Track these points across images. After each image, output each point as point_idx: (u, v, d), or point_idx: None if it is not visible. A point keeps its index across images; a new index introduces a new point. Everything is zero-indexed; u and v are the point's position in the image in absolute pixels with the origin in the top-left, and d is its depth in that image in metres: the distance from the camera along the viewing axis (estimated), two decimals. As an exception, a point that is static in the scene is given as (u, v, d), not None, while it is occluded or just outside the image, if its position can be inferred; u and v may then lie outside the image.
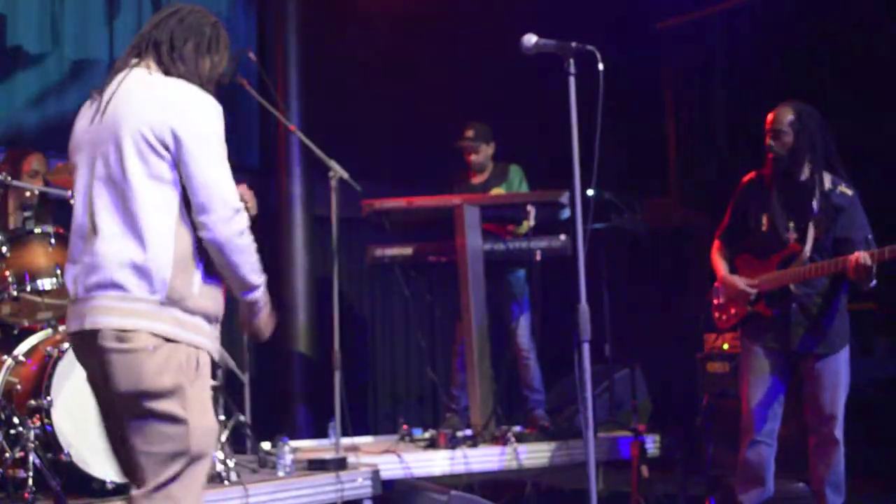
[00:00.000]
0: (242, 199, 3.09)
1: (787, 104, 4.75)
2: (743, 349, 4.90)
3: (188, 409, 2.92)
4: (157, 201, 2.94)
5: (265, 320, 3.25)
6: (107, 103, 3.07)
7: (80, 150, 3.16)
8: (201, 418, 2.96)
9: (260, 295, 3.16)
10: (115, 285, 2.91)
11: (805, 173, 4.72)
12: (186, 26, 3.14)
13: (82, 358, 3.09)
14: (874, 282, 4.50)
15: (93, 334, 2.92)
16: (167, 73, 3.08)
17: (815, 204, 4.68)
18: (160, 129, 2.95)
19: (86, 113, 3.18)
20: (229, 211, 2.97)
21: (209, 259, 3.01)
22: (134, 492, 2.98)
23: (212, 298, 3.04)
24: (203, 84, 3.12)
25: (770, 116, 4.74)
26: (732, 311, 4.91)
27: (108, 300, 2.92)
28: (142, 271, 2.90)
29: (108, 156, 3.01)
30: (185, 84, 3.06)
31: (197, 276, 2.99)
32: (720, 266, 4.95)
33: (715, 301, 5.03)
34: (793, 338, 4.69)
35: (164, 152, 2.95)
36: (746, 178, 4.94)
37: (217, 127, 3.04)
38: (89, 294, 2.95)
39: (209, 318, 3.04)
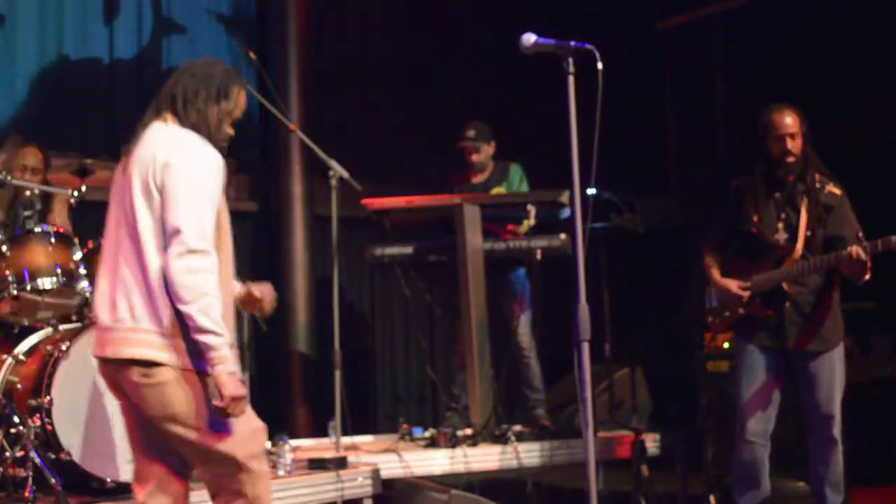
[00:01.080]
0: (252, 296, 3.57)
1: (788, 108, 4.77)
2: (737, 349, 4.91)
3: (210, 427, 3.21)
4: (153, 244, 3.21)
5: (229, 385, 3.18)
6: (129, 157, 3.37)
7: (111, 201, 3.44)
8: (239, 427, 3.25)
9: (214, 343, 3.16)
10: (130, 319, 3.19)
11: (796, 174, 4.76)
12: (198, 78, 3.42)
13: (109, 382, 3.37)
14: (868, 276, 4.51)
15: (116, 363, 3.22)
16: (182, 124, 3.37)
17: (804, 204, 4.70)
18: (157, 171, 3.24)
19: (118, 169, 3.47)
20: (182, 247, 3.14)
21: None
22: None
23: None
24: (214, 130, 3.41)
25: (785, 120, 4.72)
26: (726, 313, 4.93)
27: (123, 333, 3.20)
28: (149, 308, 3.18)
29: (125, 202, 3.31)
30: (186, 132, 3.34)
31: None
32: (712, 270, 4.96)
33: (708, 305, 5.06)
34: (788, 336, 4.71)
35: (156, 195, 3.23)
36: (735, 182, 4.96)
37: (201, 171, 3.26)
38: (109, 325, 3.24)
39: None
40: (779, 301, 4.73)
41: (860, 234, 4.55)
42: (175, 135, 3.34)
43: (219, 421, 3.22)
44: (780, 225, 4.76)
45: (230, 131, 3.51)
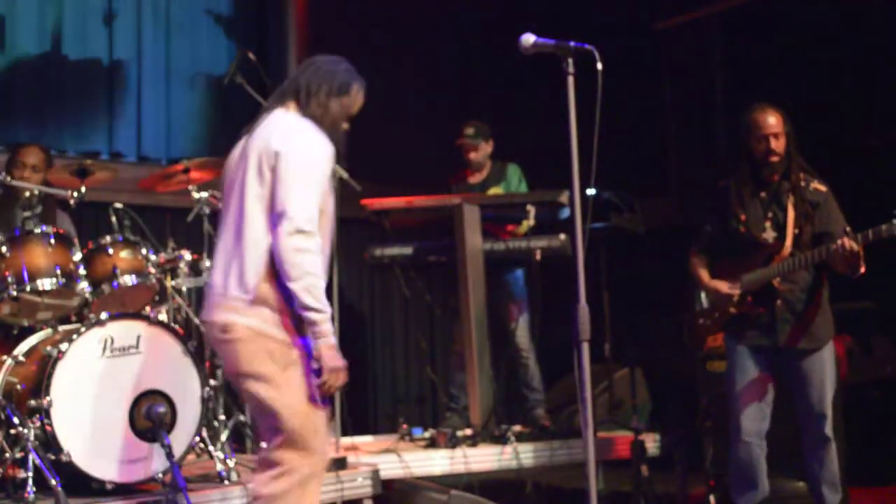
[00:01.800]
0: None
1: (771, 107, 4.79)
2: (728, 350, 4.91)
3: (278, 392, 3.44)
4: (259, 218, 3.48)
5: (328, 357, 3.46)
6: (248, 138, 3.64)
7: (227, 179, 3.70)
8: (292, 400, 3.45)
9: (317, 318, 3.43)
10: (223, 287, 3.51)
11: (780, 173, 4.78)
12: (322, 73, 3.69)
13: (210, 341, 3.78)
14: (863, 269, 4.51)
15: (211, 325, 3.57)
16: (303, 113, 3.62)
17: (791, 201, 4.72)
18: (270, 153, 3.49)
19: (235, 148, 3.71)
20: (291, 227, 3.40)
21: None
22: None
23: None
24: (333, 122, 3.65)
25: (768, 120, 4.75)
26: (717, 314, 4.94)
27: (218, 298, 3.53)
28: (240, 277, 3.47)
29: (237, 181, 3.58)
30: (304, 120, 3.60)
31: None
32: (701, 273, 4.98)
33: (697, 307, 5.07)
34: (779, 334, 4.72)
35: (268, 175, 3.48)
36: (720, 183, 4.97)
37: (312, 158, 3.52)
38: (211, 291, 3.58)
39: (298, 316, 3.46)
40: (770, 299, 4.74)
41: (848, 229, 4.57)
42: (293, 122, 3.60)
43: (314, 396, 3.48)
44: (768, 223, 4.78)
45: (346, 126, 3.74)
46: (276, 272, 3.44)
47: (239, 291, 3.47)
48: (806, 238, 4.71)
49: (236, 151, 3.69)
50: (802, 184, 4.76)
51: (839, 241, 4.46)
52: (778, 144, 4.74)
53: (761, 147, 4.75)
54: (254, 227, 3.48)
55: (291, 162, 3.47)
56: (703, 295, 5.04)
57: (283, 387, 3.46)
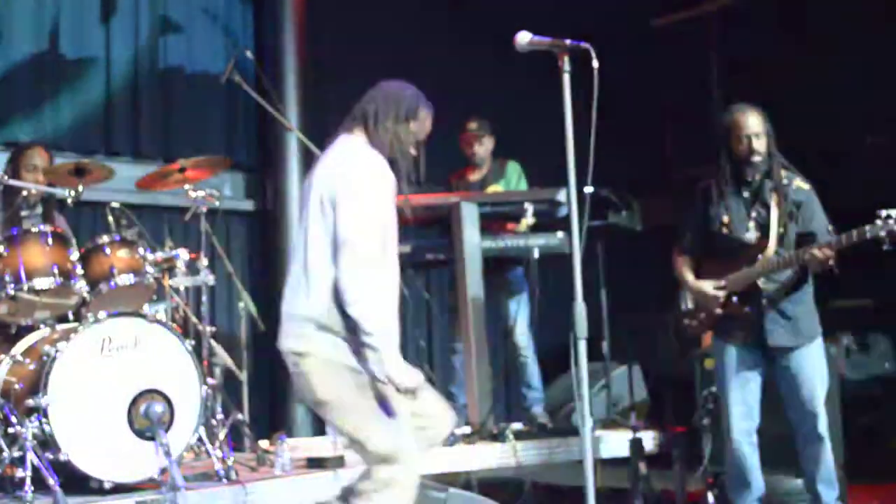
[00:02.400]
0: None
1: (749, 108, 4.82)
2: (716, 350, 4.92)
3: (352, 416, 3.62)
4: (323, 249, 3.59)
5: (394, 378, 3.58)
6: (317, 166, 3.75)
7: (301, 202, 3.81)
8: (367, 422, 3.60)
9: (376, 344, 3.54)
10: (292, 315, 3.65)
11: (762, 173, 4.79)
12: (388, 99, 3.74)
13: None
14: (836, 270, 4.52)
15: (283, 353, 3.69)
16: (370, 140, 3.69)
17: (774, 201, 4.73)
18: (331, 190, 3.59)
19: (310, 173, 3.82)
20: (350, 257, 3.51)
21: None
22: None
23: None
24: (401, 148, 3.73)
25: (749, 120, 4.76)
26: (702, 315, 4.95)
27: (287, 325, 3.68)
28: (307, 305, 3.60)
29: (305, 209, 3.70)
30: (365, 147, 3.68)
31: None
32: (685, 274, 4.98)
33: (681, 309, 5.07)
34: (766, 333, 4.73)
35: (329, 211, 3.58)
36: (700, 185, 4.98)
37: (371, 185, 3.59)
38: (283, 319, 3.71)
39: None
40: (755, 299, 4.76)
41: (830, 229, 4.59)
42: (355, 148, 3.68)
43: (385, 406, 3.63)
44: (751, 223, 4.80)
45: (414, 152, 3.80)
46: (339, 300, 3.54)
47: (306, 319, 3.59)
48: (790, 237, 4.72)
49: (310, 177, 3.77)
50: (785, 182, 4.77)
51: (812, 252, 4.48)
52: (759, 144, 4.76)
53: (743, 147, 4.77)
54: (318, 257, 3.59)
55: (350, 190, 3.56)
56: (686, 296, 5.03)
57: (355, 411, 3.61)
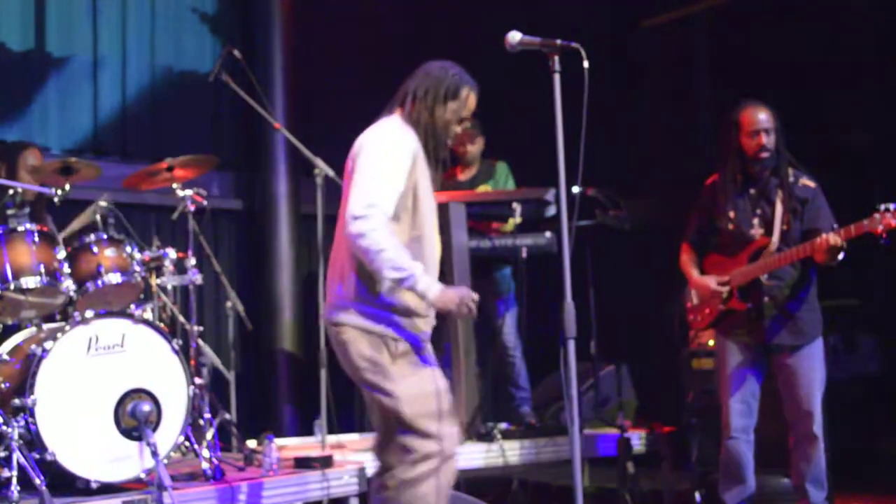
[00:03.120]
0: None
1: (759, 104, 4.82)
2: (718, 346, 4.93)
3: (391, 383, 3.66)
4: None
5: (446, 300, 3.63)
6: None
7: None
8: (406, 390, 3.66)
9: (414, 283, 3.56)
10: (332, 287, 3.77)
11: (769, 170, 4.80)
12: (430, 78, 3.81)
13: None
14: (843, 254, 4.53)
15: (326, 324, 3.83)
16: (408, 119, 3.77)
17: (779, 198, 4.74)
18: (353, 160, 3.71)
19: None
20: (350, 216, 3.57)
21: None
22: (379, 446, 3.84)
23: (396, 295, 3.67)
24: (441, 127, 3.77)
25: (759, 116, 4.76)
26: (707, 310, 4.96)
27: (329, 298, 3.80)
28: (341, 278, 3.72)
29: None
30: (396, 121, 3.76)
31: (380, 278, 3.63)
32: (690, 269, 5.01)
33: (688, 304, 5.08)
34: (765, 330, 4.74)
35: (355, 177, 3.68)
36: (709, 180, 4.99)
37: (384, 152, 3.64)
38: (327, 291, 3.85)
39: (399, 311, 3.70)
40: (757, 295, 4.77)
41: (835, 226, 4.60)
42: (383, 123, 3.77)
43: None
44: (756, 220, 4.81)
45: (457, 129, 3.82)
46: (361, 269, 3.65)
47: (341, 291, 3.71)
48: (794, 234, 4.73)
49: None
50: (791, 179, 4.78)
51: (821, 238, 4.49)
52: (769, 140, 4.76)
53: (753, 143, 4.76)
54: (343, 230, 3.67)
55: (365, 158, 3.66)
56: (692, 292, 5.04)
57: (395, 379, 3.67)
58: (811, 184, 4.80)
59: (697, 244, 5.04)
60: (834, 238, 4.46)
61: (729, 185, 4.85)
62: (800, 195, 4.76)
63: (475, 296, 3.70)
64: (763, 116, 4.76)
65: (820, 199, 4.78)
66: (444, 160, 3.84)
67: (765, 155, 4.76)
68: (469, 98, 3.83)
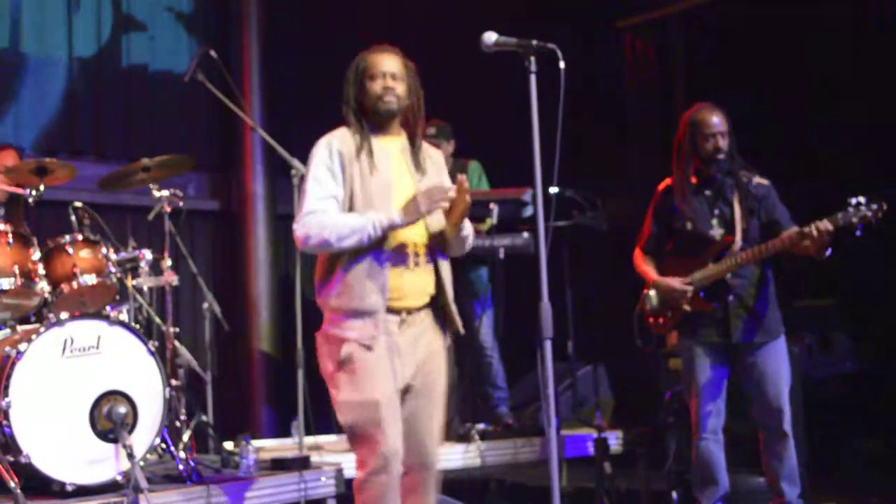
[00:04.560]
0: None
1: (712, 106, 4.88)
2: (682, 348, 4.95)
3: (336, 391, 3.73)
4: None
5: (413, 212, 3.68)
6: None
7: None
8: (346, 397, 3.69)
9: (375, 229, 3.65)
10: None
11: (724, 171, 4.85)
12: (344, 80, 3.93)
13: None
14: (830, 251, 4.55)
15: None
16: (345, 121, 3.89)
17: (736, 197, 4.77)
18: None
19: None
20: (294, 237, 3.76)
21: (341, 265, 3.70)
22: None
23: (346, 297, 3.69)
24: (370, 102, 3.83)
25: (713, 119, 4.81)
26: (668, 313, 4.97)
27: None
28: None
29: None
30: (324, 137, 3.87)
31: (334, 282, 3.73)
32: (649, 271, 5.02)
33: (647, 307, 5.09)
34: (733, 329, 4.77)
35: None
36: (662, 185, 5.03)
37: (309, 168, 3.80)
38: None
39: (349, 314, 3.69)
40: (722, 295, 4.80)
41: (791, 219, 4.66)
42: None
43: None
44: (715, 220, 4.84)
45: (376, 89, 3.82)
46: (326, 275, 3.76)
47: (318, 299, 3.83)
48: (753, 233, 4.78)
49: None
50: (745, 180, 4.83)
51: (812, 226, 4.50)
52: (724, 143, 4.81)
53: (709, 145, 4.82)
54: None
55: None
56: (651, 294, 5.05)
57: (338, 386, 3.73)
58: (764, 182, 4.87)
59: (652, 250, 5.07)
60: (825, 224, 4.47)
61: (685, 187, 4.88)
62: (755, 193, 4.81)
63: (444, 186, 3.75)
64: (717, 119, 4.82)
65: (773, 196, 4.85)
66: (389, 111, 3.85)
67: (720, 157, 4.82)
68: (364, 60, 3.89)
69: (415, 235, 3.78)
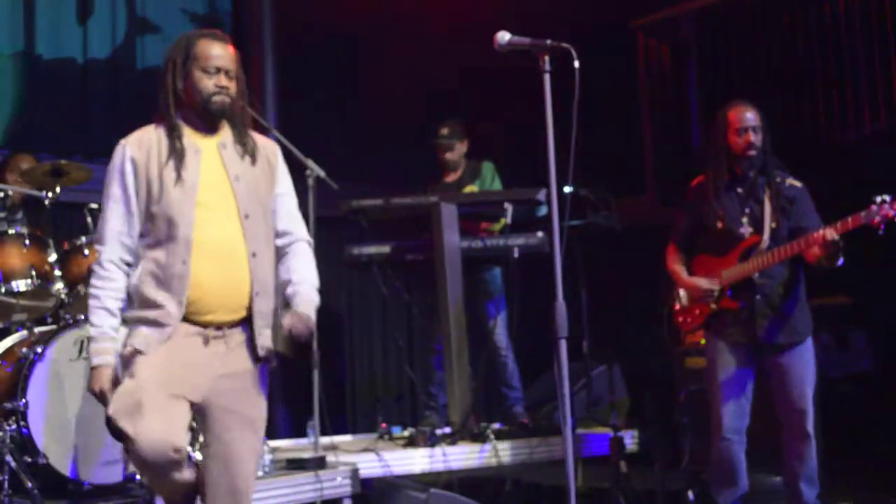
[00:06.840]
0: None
1: (746, 103, 4.84)
2: (709, 347, 4.93)
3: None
4: None
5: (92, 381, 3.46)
6: None
7: None
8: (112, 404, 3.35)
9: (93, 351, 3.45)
10: None
11: (756, 168, 4.82)
12: (160, 75, 3.59)
13: None
14: (842, 260, 4.53)
15: None
16: (158, 121, 3.57)
17: (767, 196, 4.75)
18: None
19: None
20: None
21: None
22: None
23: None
24: (200, 96, 3.50)
25: (747, 115, 4.78)
26: (697, 311, 4.95)
27: None
28: None
29: None
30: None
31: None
32: (678, 270, 5.00)
33: (677, 306, 5.07)
34: (758, 329, 4.74)
35: None
36: (695, 182, 5.00)
37: (109, 168, 3.49)
38: None
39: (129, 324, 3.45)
40: (748, 294, 4.77)
41: (819, 225, 4.63)
42: None
43: None
44: (745, 218, 4.81)
45: (209, 86, 3.48)
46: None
47: None
48: (782, 232, 4.75)
49: None
50: (778, 179, 4.79)
51: (818, 233, 4.49)
52: (757, 139, 4.78)
53: (741, 142, 4.78)
54: None
55: None
56: (682, 293, 5.04)
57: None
58: (797, 184, 4.82)
59: (684, 246, 5.04)
60: (830, 233, 4.46)
61: (717, 184, 4.86)
62: (787, 194, 4.78)
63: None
64: (750, 115, 4.79)
65: (806, 199, 4.80)
66: (222, 112, 3.53)
67: (752, 153, 4.78)
68: (201, 47, 3.48)
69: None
